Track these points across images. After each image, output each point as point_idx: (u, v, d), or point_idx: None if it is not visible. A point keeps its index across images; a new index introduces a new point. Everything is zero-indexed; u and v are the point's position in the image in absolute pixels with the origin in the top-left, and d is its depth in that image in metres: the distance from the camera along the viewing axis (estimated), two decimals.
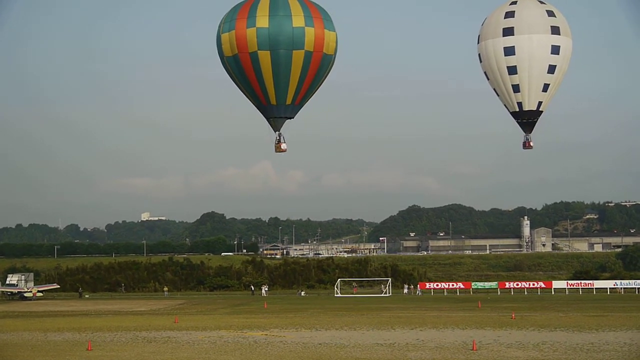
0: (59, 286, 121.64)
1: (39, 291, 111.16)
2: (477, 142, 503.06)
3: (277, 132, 61.79)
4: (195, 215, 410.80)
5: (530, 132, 67.46)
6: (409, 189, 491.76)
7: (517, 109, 66.65)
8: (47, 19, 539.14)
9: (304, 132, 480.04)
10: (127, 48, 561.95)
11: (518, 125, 67.57)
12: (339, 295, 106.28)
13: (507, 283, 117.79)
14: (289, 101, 60.85)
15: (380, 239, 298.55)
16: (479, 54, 67.83)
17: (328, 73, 61.91)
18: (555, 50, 65.38)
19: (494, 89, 67.60)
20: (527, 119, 66.87)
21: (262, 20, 58.56)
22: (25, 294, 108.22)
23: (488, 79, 67.75)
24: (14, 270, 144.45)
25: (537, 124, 67.40)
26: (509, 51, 65.56)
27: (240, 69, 60.24)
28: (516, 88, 66.10)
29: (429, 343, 40.90)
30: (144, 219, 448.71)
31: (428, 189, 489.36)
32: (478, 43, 67.92)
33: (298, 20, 58.71)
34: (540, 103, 66.33)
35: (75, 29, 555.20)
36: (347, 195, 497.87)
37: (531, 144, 67.47)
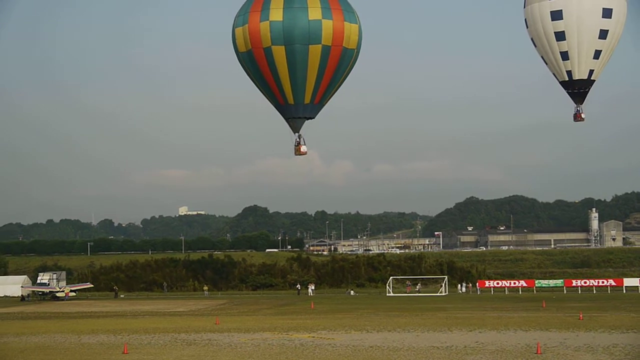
0: (92, 285, 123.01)
1: (71, 291, 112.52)
2: (539, 128, 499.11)
3: (296, 134, 61.43)
4: (237, 209, 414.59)
5: (581, 103, 66.72)
6: (466, 179, 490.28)
7: (567, 78, 65.85)
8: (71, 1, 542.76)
9: (353, 119, 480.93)
10: (161, 30, 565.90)
11: (569, 97, 66.86)
12: (391, 294, 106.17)
13: (573, 281, 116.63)
14: (307, 100, 60.45)
15: (435, 233, 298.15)
16: (525, 19, 67.18)
17: (351, 69, 61.28)
18: (607, 13, 64.36)
19: (542, 57, 66.87)
20: (577, 89, 66.05)
21: (276, 13, 58.14)
22: (58, 294, 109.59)
23: (535, 46, 67.06)
24: (45, 269, 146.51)
25: (588, 94, 66.61)
26: (556, 15, 64.63)
27: (255, 65, 59.94)
28: (565, 55, 65.26)
29: (489, 346, 40.73)
30: (182, 214, 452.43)
31: (487, 179, 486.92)
32: (524, 7, 67.27)
33: (314, 12, 58.22)
34: (591, 71, 65.45)
35: (106, 11, 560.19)
36: (399, 187, 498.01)
37: (582, 115, 66.80)
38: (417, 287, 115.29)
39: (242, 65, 61.54)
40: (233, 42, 60.84)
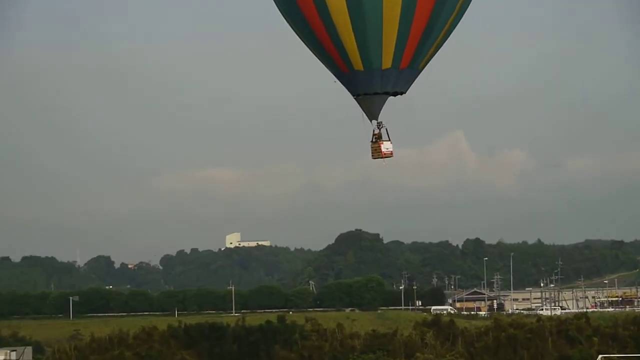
0: None
1: None
2: None
3: (373, 121, 59.03)
4: (327, 238, 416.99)
5: None
6: None
7: None
8: None
9: (524, 89, 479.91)
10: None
11: None
12: None
13: None
14: (386, 63, 57.61)
15: None
16: None
17: (465, 6, 59.69)
18: None
19: None
20: None
21: None
22: None
23: None
24: None
25: None
26: None
27: (298, 13, 58.68)
28: None
29: None
30: (231, 245, 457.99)
31: None
32: None
33: None
34: None
35: None
36: (609, 194, 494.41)
37: None
38: None
39: (282, 13, 60.56)
40: None
